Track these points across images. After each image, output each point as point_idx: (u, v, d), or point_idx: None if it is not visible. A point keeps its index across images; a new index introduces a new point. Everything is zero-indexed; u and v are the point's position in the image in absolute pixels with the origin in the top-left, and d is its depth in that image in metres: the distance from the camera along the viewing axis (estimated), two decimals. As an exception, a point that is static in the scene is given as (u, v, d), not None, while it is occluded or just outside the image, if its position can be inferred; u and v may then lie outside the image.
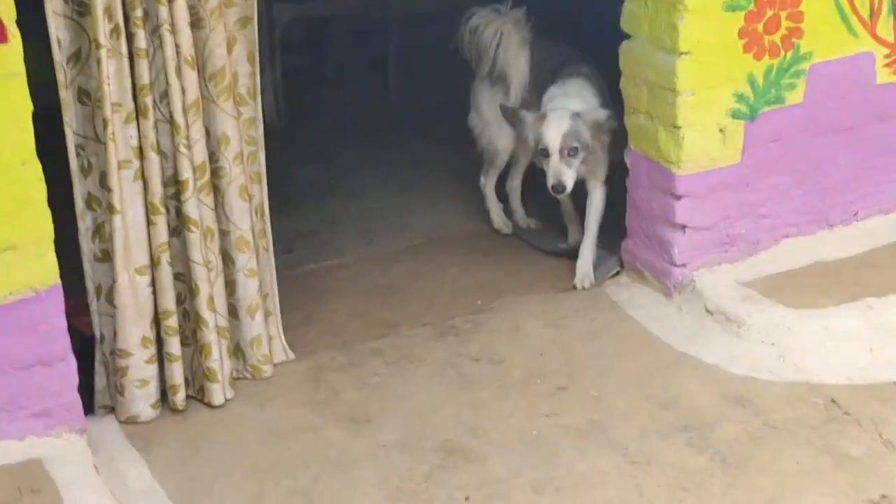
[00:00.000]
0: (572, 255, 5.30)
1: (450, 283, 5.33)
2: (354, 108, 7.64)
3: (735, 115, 4.69)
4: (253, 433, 4.27)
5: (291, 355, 4.74)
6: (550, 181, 4.92)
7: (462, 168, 6.22)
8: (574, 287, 5.09)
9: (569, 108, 4.95)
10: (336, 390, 4.50)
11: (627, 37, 4.81)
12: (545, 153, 4.93)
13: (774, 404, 4.19)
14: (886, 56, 4.89)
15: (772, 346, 4.44)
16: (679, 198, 4.73)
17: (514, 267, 5.25)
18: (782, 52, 4.70)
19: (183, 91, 4.15)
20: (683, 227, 4.77)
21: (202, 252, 4.29)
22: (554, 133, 4.88)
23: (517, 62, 5.40)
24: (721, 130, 4.69)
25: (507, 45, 5.41)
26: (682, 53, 4.54)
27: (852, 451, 3.93)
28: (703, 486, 3.82)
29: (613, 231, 5.27)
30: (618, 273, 5.17)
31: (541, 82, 5.35)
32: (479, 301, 5.14)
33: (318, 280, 5.45)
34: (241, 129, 4.39)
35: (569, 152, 4.89)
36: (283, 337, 4.74)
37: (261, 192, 4.56)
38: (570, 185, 4.94)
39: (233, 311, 4.53)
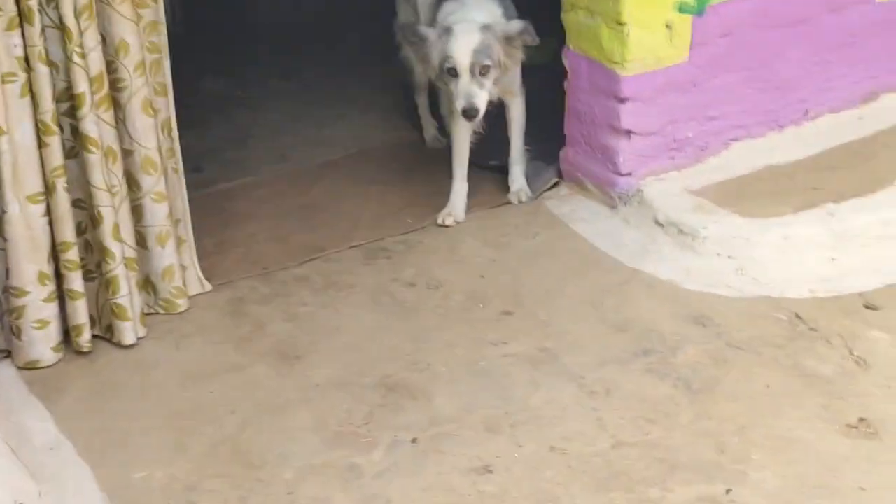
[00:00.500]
0: (505, 169, 4.93)
1: (375, 200, 4.92)
2: (260, 10, 7.10)
3: (682, 8, 4.34)
4: (170, 376, 3.86)
5: (208, 286, 4.32)
6: (461, 104, 4.25)
7: (379, 76, 5.80)
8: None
9: (476, 21, 4.37)
10: (260, 324, 4.10)
11: (563, -76, 4.40)
12: (453, 73, 4.27)
13: (736, 322, 3.90)
14: (840, -58, 4.55)
15: (728, 258, 4.13)
16: (624, 101, 4.37)
17: (445, 182, 4.83)
18: (731, -61, 4.34)
19: (73, -8, 3.66)
20: (629, 132, 4.42)
21: (104, 175, 3.83)
22: (462, 49, 4.25)
23: None
24: (668, 26, 4.34)
25: None
26: (627, -56, 4.14)
27: (823, 371, 3.66)
28: (668, 415, 3.52)
29: (549, 137, 4.91)
30: (556, 184, 4.81)
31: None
32: (408, 219, 4.74)
33: (231, 201, 5.00)
34: (142, 34, 3.91)
35: (480, 70, 4.26)
36: (197, 266, 4.31)
37: (167, 106, 4.09)
38: (482, 107, 4.28)
39: (141, 240, 4.08)
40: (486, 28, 4.35)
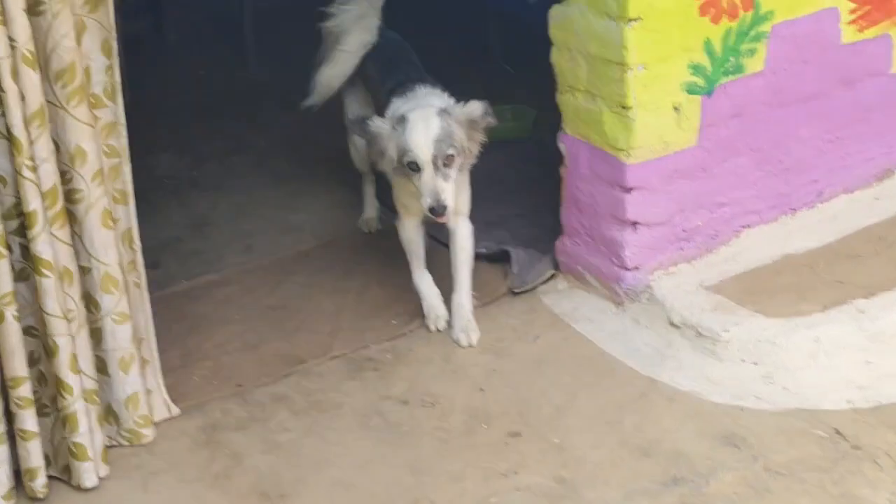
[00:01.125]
0: (498, 256, 4.54)
1: (355, 298, 4.49)
2: (208, 81, 6.68)
3: (691, 89, 3.97)
4: (139, 525, 3.40)
5: (175, 410, 3.87)
6: (427, 202, 3.84)
7: (345, 150, 5.36)
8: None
9: (433, 105, 4.00)
10: (237, 456, 3.65)
11: (559, 0, 4.02)
12: (413, 167, 3.87)
13: (772, 442, 3.52)
14: (851, 11, 4.23)
15: (754, 365, 3.76)
16: (629, 190, 4.00)
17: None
18: (741, 13, 3.99)
19: (22, 97, 3.22)
20: (634, 223, 4.05)
21: (59, 300, 3.38)
22: (422, 139, 3.85)
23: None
24: (676, 109, 3.97)
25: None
26: (630, 20, 3.78)
27: (877, 501, 3.27)
28: (712, 561, 3.11)
29: (542, 222, 4.54)
30: (552, 277, 4.40)
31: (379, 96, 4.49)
32: (393, 321, 4.32)
33: (195, 303, 4.55)
34: (100, 137, 3.48)
35: (444, 161, 3.86)
36: (163, 389, 3.86)
37: (128, 215, 3.66)
38: (451, 202, 3.88)
39: (101, 367, 3.63)
40: (444, 112, 3.93)
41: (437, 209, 3.86)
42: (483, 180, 5.07)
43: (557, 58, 4.10)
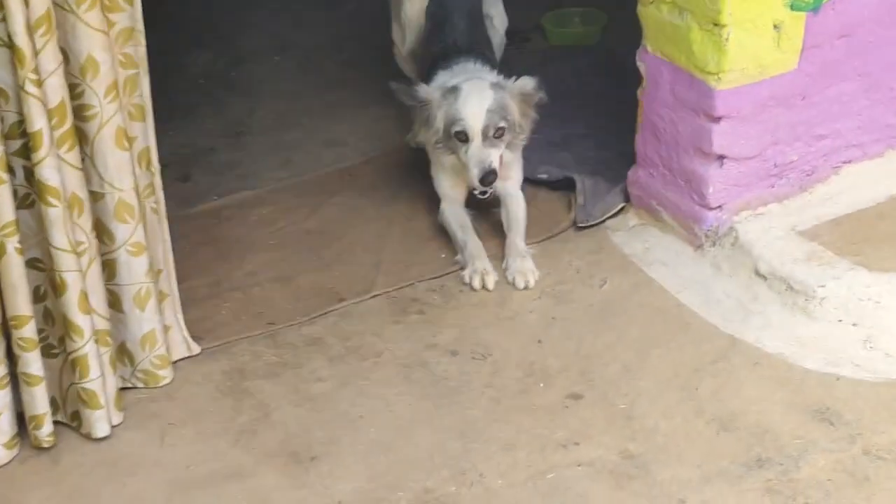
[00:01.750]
0: (561, 184, 4.09)
1: (400, 225, 4.06)
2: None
3: (795, 4, 3.46)
4: (154, 485, 3.05)
5: (196, 349, 3.48)
6: (475, 172, 3.64)
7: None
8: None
9: (485, 79, 3.82)
10: (265, 408, 3.27)
11: None
12: (462, 137, 3.68)
13: (872, 419, 3.08)
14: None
15: (853, 326, 3.31)
16: (718, 119, 3.51)
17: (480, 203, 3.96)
18: (861, -86, 3.44)
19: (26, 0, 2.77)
20: (721, 157, 3.57)
21: (67, 233, 2.97)
22: (475, 109, 3.66)
23: None
24: (776, 27, 3.45)
25: None
26: (732, -75, 3.25)
27: None
28: (803, 564, 2.70)
29: (612, 145, 4.07)
30: (622, 210, 3.94)
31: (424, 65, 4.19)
32: (441, 254, 3.88)
33: (225, 224, 4.15)
34: (115, 46, 3.04)
35: (495, 133, 3.68)
36: (183, 325, 3.46)
37: (145, 133, 3.23)
38: (499, 169, 3.69)
39: (115, 303, 3.24)
40: (497, 86, 3.77)
41: (488, 177, 3.61)
42: (547, 93, 4.61)
43: (640, -40, 3.58)
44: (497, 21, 4.51)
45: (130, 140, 3.13)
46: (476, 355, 3.38)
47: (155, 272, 3.31)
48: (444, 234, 3.95)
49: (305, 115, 4.84)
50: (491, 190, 3.72)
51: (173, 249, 3.45)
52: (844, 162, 3.76)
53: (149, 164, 3.25)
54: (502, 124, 3.67)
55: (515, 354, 3.38)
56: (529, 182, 4.10)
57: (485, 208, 3.93)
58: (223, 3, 5.81)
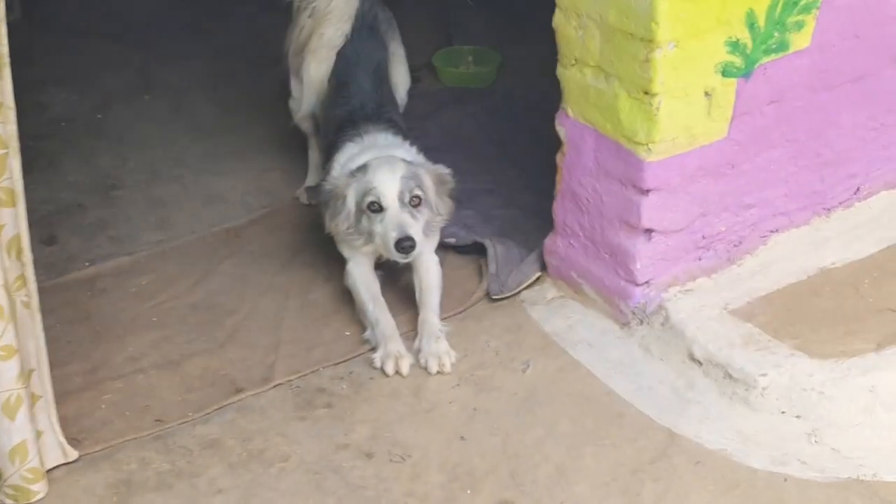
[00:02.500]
0: (470, 249, 3.81)
1: (298, 297, 3.72)
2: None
3: (727, 71, 3.23)
4: None
5: (73, 454, 3.09)
6: (392, 237, 3.34)
7: (273, 80, 4.54)
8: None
9: (397, 155, 3.57)
10: (160, 530, 2.88)
11: (566, -49, 3.23)
12: (375, 207, 3.40)
13: (826, 524, 2.85)
14: (912, -22, 3.48)
15: (797, 419, 3.10)
16: (647, 192, 3.27)
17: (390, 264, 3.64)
18: (792, -22, 3.23)
19: None
20: (649, 231, 3.32)
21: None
22: (388, 177, 3.41)
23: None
24: (707, 95, 3.22)
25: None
26: (664, -14, 3.00)
27: None
28: None
29: (520, 202, 3.86)
30: (537, 279, 3.67)
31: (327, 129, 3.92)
32: (346, 331, 3.56)
33: (100, 298, 3.75)
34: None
35: (411, 200, 3.41)
36: (58, 429, 3.05)
37: (15, 219, 2.81)
38: (419, 238, 3.39)
39: (-20, 414, 2.81)
40: (410, 163, 3.51)
41: (404, 241, 3.32)
42: (442, 142, 4.34)
43: (562, 23, 3.31)
44: (401, 82, 4.22)
45: (-1, 228, 2.72)
46: (394, 457, 3.06)
47: (26, 375, 2.90)
48: (347, 305, 3.63)
49: (181, 166, 4.46)
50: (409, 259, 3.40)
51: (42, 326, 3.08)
52: (772, 231, 3.56)
53: (19, 253, 2.85)
54: (418, 192, 3.40)
55: (437, 454, 3.07)
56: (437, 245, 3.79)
57: (394, 270, 3.62)
58: (78, 35, 5.36)
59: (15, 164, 2.76)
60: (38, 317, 2.95)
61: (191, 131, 4.67)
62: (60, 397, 3.19)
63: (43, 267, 3.81)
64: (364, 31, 4.03)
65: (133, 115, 4.80)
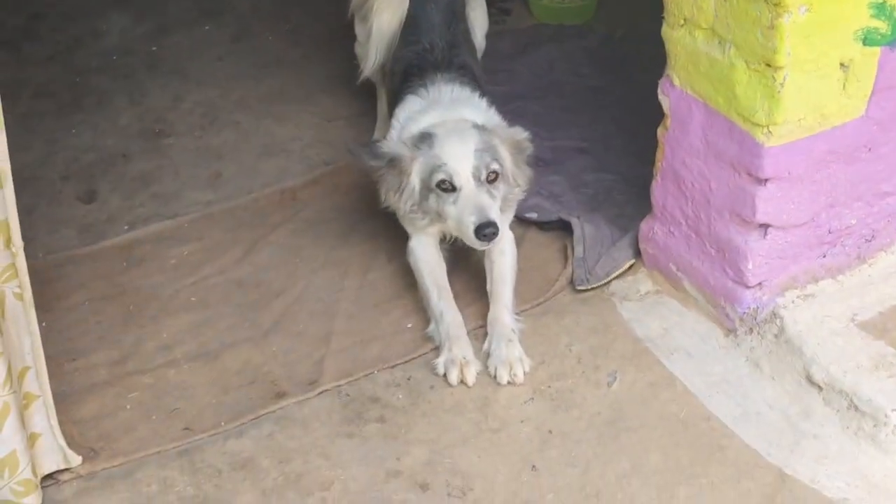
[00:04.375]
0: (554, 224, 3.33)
1: (356, 277, 3.29)
2: None
3: (868, 38, 2.66)
4: None
5: (75, 459, 2.72)
6: (472, 220, 2.82)
7: (350, 23, 4.03)
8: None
9: (467, 119, 3.03)
10: (178, 569, 2.49)
11: None
12: (446, 186, 2.88)
13: None
14: None
15: (937, 465, 2.56)
16: (764, 182, 2.73)
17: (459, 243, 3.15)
18: (956, -76, 2.62)
19: None
20: (766, 226, 2.78)
21: None
22: (460, 150, 2.89)
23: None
24: (843, 67, 2.65)
25: None
26: (799, -63, 2.43)
27: None
28: None
29: (616, 165, 3.43)
30: (630, 267, 3.18)
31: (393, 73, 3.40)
32: (407, 323, 3.10)
33: (137, 269, 3.37)
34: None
35: (488, 177, 2.89)
36: (58, 432, 2.66)
37: (2, 203, 2.40)
38: (501, 223, 2.89)
39: (-33, 429, 2.44)
40: (481, 127, 2.99)
41: (486, 227, 2.79)
42: (531, 88, 3.83)
43: (670, -27, 2.75)
44: (478, 24, 3.68)
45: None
46: (452, 490, 2.63)
47: (17, 377, 2.52)
48: (409, 290, 3.18)
49: (239, 109, 4.02)
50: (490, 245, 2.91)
51: (69, 305, 2.91)
52: (913, 223, 3.00)
53: (8, 241, 2.45)
54: (495, 166, 2.89)
55: (503, 488, 2.63)
56: (515, 220, 3.30)
57: (462, 249, 3.13)
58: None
59: (0, 137, 2.33)
60: (32, 310, 2.56)
61: (253, 67, 4.22)
62: (83, 393, 2.89)
63: (78, 229, 3.48)
64: None
65: (191, 46, 4.37)
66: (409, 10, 3.44)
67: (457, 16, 3.43)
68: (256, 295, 3.23)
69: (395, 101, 3.27)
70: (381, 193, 3.00)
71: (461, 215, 2.85)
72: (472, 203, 2.83)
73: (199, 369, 2.99)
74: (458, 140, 2.91)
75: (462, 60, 3.29)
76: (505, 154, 2.95)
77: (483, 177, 2.87)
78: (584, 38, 4.23)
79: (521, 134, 3.00)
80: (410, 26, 3.40)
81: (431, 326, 3.02)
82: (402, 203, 2.96)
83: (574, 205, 3.39)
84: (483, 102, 3.17)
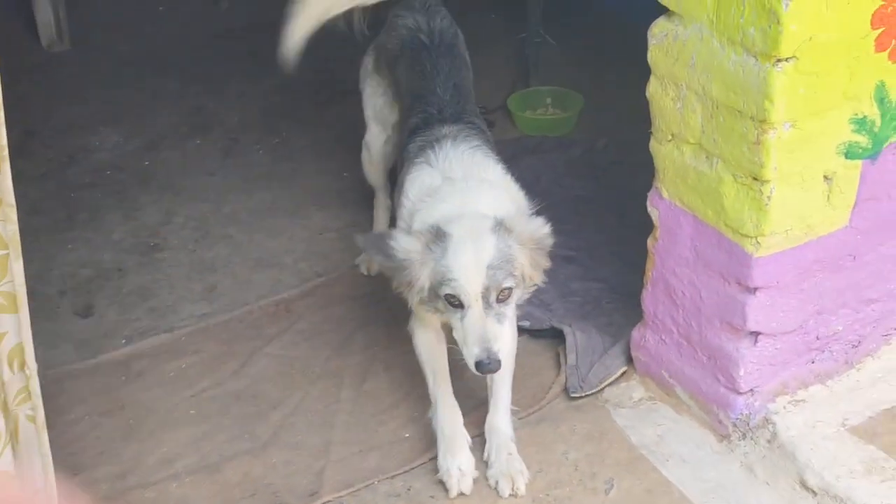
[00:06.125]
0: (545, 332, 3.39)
1: (353, 387, 3.33)
2: (169, 22, 5.36)
3: (851, 152, 2.77)
4: None
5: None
6: (474, 352, 2.70)
7: (347, 137, 4.12)
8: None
9: (484, 212, 2.83)
10: None
11: (664, 11, 2.78)
12: (454, 301, 2.74)
13: None
14: None
15: (931, 571, 2.61)
16: (754, 291, 2.81)
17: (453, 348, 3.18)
18: (930, 44, 2.75)
19: None
20: (756, 333, 2.86)
21: None
22: (471, 267, 2.72)
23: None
24: (826, 179, 2.76)
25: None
26: (780, 60, 2.54)
27: None
28: None
29: (604, 274, 3.51)
30: (622, 373, 3.24)
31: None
32: (406, 433, 3.15)
33: (135, 383, 3.40)
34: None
35: (499, 296, 2.74)
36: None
37: (17, 327, 2.46)
38: (508, 355, 2.87)
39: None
40: (500, 227, 2.76)
41: (488, 365, 2.69)
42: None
43: (657, 93, 2.87)
44: None
45: (-2, 341, 2.36)
46: None
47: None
48: (406, 398, 3.24)
49: (232, 222, 4.08)
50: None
51: (69, 420, 2.93)
52: (895, 329, 3.09)
53: (22, 364, 2.48)
54: (508, 284, 2.74)
55: None
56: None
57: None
58: (130, 66, 5.01)
59: (17, 267, 2.40)
60: (44, 433, 2.59)
61: (243, 181, 4.29)
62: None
63: (76, 344, 3.52)
64: (443, 47, 3.46)
65: (182, 161, 4.43)
66: (415, 91, 3.38)
67: (463, 95, 3.34)
68: (254, 407, 3.27)
69: (398, 171, 3.21)
70: (393, 280, 2.88)
71: (465, 339, 2.74)
72: (478, 332, 2.71)
73: (200, 482, 3.01)
74: (471, 251, 2.73)
75: (471, 119, 3.23)
76: (523, 259, 2.79)
77: (493, 298, 2.73)
78: (566, 149, 4.33)
79: (542, 229, 2.84)
80: (417, 103, 3.31)
81: (431, 411, 3.04)
82: (412, 297, 2.86)
83: (563, 313, 3.46)
84: (499, 169, 3.06)
